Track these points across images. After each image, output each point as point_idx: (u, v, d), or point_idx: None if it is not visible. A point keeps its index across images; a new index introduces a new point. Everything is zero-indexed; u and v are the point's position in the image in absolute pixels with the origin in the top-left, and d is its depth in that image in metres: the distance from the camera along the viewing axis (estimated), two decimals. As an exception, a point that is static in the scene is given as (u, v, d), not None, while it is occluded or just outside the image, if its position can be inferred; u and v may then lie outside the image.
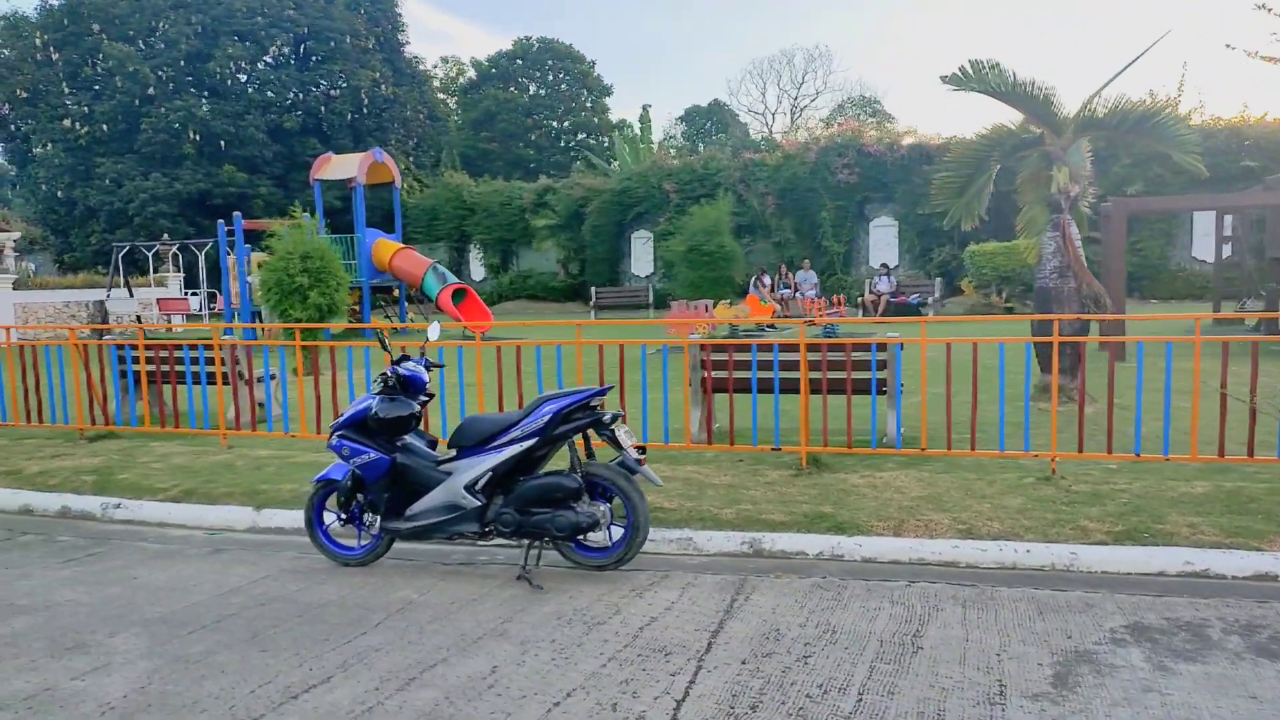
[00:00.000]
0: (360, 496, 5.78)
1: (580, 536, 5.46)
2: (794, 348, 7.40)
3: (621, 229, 35.02)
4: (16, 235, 33.85)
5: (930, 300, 22.89)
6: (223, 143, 38.33)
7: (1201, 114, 27.56)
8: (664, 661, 4.24)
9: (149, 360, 9.71)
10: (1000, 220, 28.58)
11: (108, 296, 24.59)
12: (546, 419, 5.41)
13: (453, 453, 5.75)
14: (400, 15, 45.52)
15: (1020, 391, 7.55)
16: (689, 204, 32.70)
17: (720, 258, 24.76)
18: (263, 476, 7.74)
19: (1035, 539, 5.70)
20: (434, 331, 6.33)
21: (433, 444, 5.95)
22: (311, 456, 8.33)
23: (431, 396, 5.93)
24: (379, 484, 5.64)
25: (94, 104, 37.94)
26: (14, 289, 23.98)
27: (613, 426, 5.47)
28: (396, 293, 22.53)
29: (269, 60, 40.92)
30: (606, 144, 58.45)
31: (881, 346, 7.68)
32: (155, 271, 27.57)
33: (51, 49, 38.21)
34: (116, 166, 37.45)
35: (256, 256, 20.57)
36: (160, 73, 38.35)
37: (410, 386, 5.72)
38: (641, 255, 35.06)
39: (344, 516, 5.82)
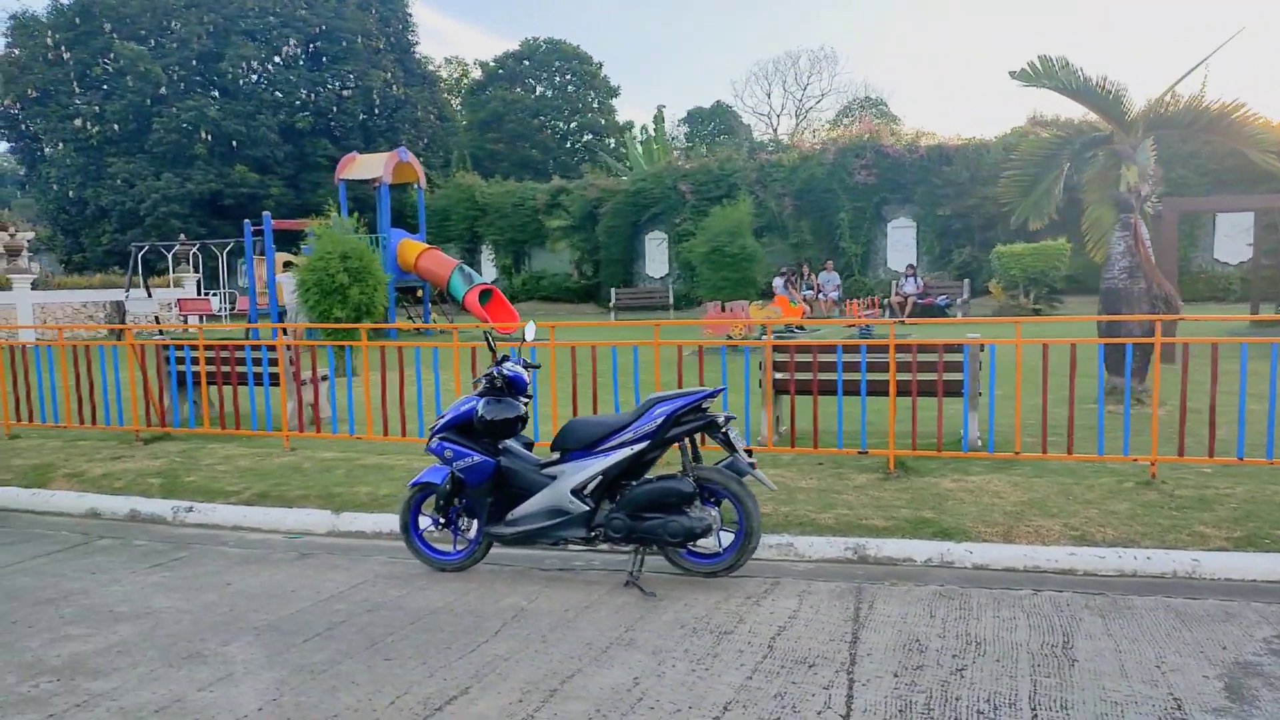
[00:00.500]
0: (457, 501, 5.65)
1: (692, 543, 5.32)
2: (880, 349, 7.26)
3: (636, 230, 34.89)
4: (30, 235, 33.72)
5: (958, 301, 22.75)
6: (234, 143, 38.15)
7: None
8: (810, 674, 4.10)
9: (201, 361, 9.54)
10: (1026, 222, 28.68)
11: (126, 296, 24.40)
12: (660, 421, 5.27)
13: (555, 456, 5.61)
14: (410, 15, 45.37)
15: (1083, 395, 7.39)
16: (705, 205, 32.61)
17: (743, 259, 24.63)
18: (334, 479, 7.59)
19: (1153, 545, 5.56)
20: (530, 331, 6.19)
21: (528, 446, 5.81)
22: (377, 459, 8.20)
23: (530, 398, 5.78)
24: (481, 488, 5.50)
25: (105, 103, 37.74)
26: (32, 289, 23.80)
27: (726, 429, 5.33)
28: (420, 293, 22.37)
29: (280, 60, 40.74)
30: (614, 145, 58.40)
31: (958, 348, 7.54)
32: (172, 271, 27.35)
33: (63, 48, 38.00)
34: (128, 166, 37.26)
35: (282, 256, 20.45)
36: (172, 72, 38.18)
37: (514, 387, 5.58)
38: (656, 256, 34.93)
39: (441, 521, 5.68)
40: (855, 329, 17.38)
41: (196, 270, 28.40)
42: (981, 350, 7.44)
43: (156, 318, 25.49)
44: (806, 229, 31.19)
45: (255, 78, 40.11)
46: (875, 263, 30.92)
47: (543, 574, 5.69)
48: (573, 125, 62.12)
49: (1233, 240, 25.60)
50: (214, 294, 28.15)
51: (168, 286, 27.26)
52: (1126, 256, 9.30)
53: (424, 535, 5.80)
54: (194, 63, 38.80)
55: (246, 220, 21.11)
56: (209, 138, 37.47)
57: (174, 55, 38.37)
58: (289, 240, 23.47)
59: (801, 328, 18.22)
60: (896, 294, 22.83)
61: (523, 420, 5.57)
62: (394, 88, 42.30)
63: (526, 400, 5.69)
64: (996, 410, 7.18)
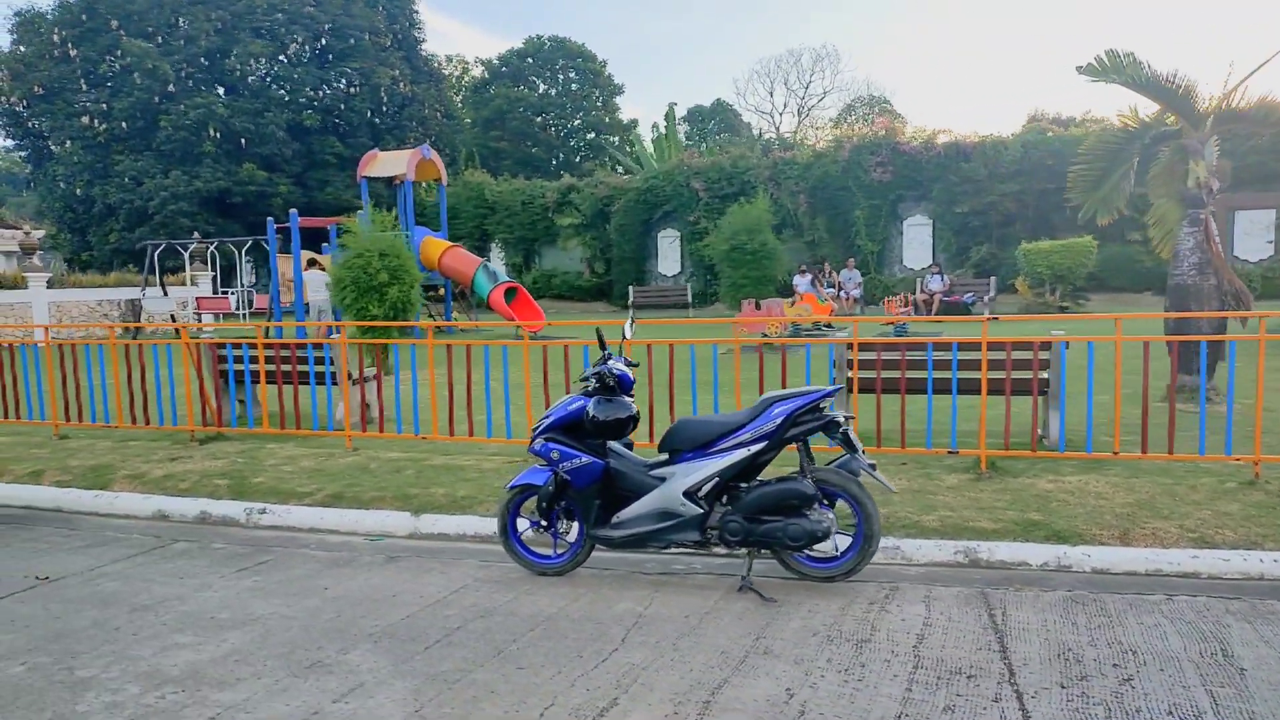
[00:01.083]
0: (558, 503, 5.48)
1: (811, 547, 5.15)
2: (972, 347, 7.11)
3: (648, 228, 34.72)
4: (40, 233, 33.47)
5: (986, 299, 22.62)
6: (243, 140, 37.92)
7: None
8: (973, 686, 3.94)
9: (253, 360, 9.36)
10: (1045, 219, 28.57)
11: (143, 295, 24.16)
12: (779, 421, 5.10)
13: (663, 457, 5.44)
14: (417, 13, 45.17)
15: (1149, 392, 7.19)
16: (718, 203, 32.48)
17: (763, 256, 24.50)
18: (405, 480, 7.41)
19: (1277, 547, 5.41)
20: (629, 329, 6.02)
21: (629, 447, 5.65)
22: (443, 459, 8.03)
23: (634, 396, 5.61)
24: (588, 490, 5.33)
25: (112, 101, 37.49)
26: (47, 287, 23.57)
27: (845, 428, 5.17)
28: (442, 291, 22.18)
29: (288, 57, 40.52)
30: (618, 142, 58.21)
31: (1047, 345, 7.39)
32: (188, 269, 27.11)
33: (69, 45, 37.74)
34: (136, 164, 37.00)
35: (305, 255, 20.24)
36: (180, 69, 37.94)
37: (623, 385, 5.41)
38: (669, 254, 34.74)
39: (543, 524, 5.51)
40: (890, 327, 17.23)
41: (211, 268, 28.14)
42: (1068, 348, 7.28)
43: (173, 316, 25.26)
44: (822, 226, 31.05)
45: (264, 75, 39.87)
46: (891, 260, 30.79)
47: (647, 579, 5.52)
48: (576, 123, 62.00)
49: (1253, 237, 25.47)
50: (230, 292, 27.90)
51: (182, 285, 27.00)
52: (1196, 253, 9.15)
53: (522, 538, 5.63)
54: (202, 60, 38.60)
55: (270, 218, 20.90)
56: (218, 135, 37.24)
57: (182, 52, 38.14)
58: (308, 239, 23.22)
59: (830, 325, 18.05)
60: (922, 291, 22.68)
61: (634, 420, 5.39)
62: (401, 85, 42.10)
63: (633, 399, 5.53)
64: (1069, 408, 7.03)
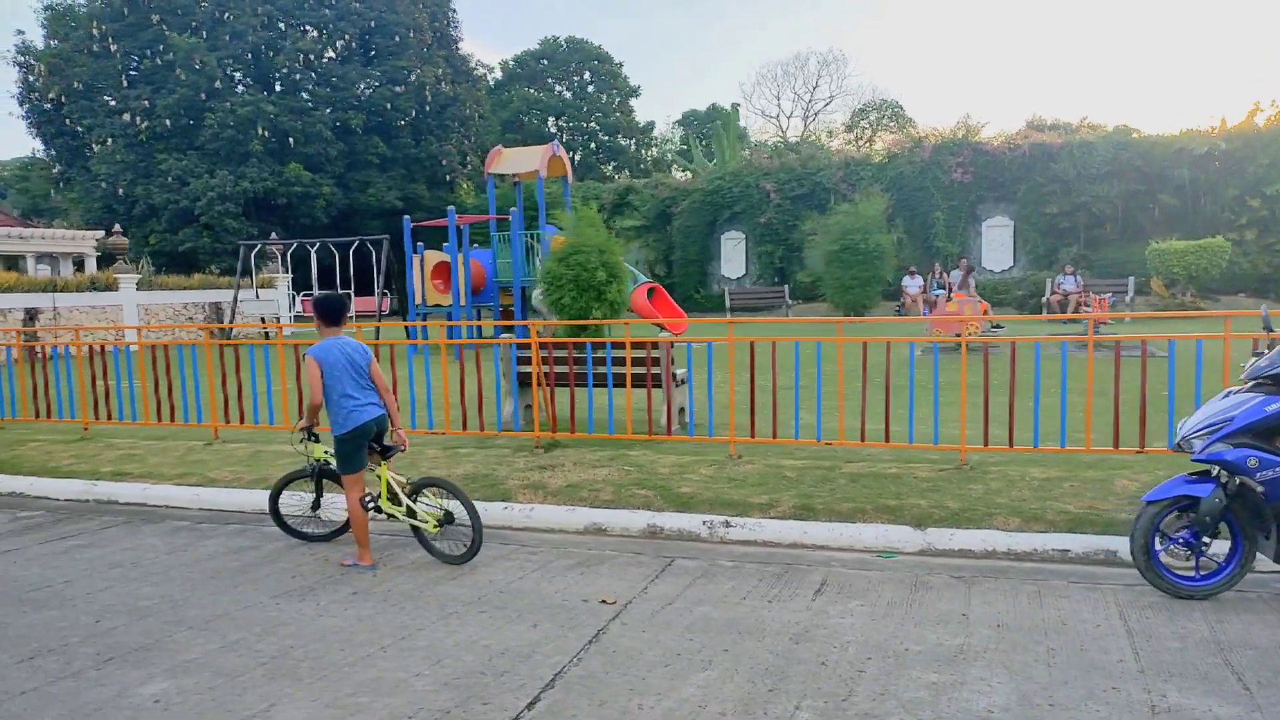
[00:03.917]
0: (1214, 519, 4.86)
1: None
2: None
3: (712, 229, 34.18)
4: (101, 234, 32.31)
5: (1128, 299, 22.23)
6: (290, 140, 36.88)
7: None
8: None
9: (590, 361, 8.69)
10: (1133, 220, 28.34)
11: (237, 297, 23.21)
12: None
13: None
14: (455, 11, 44.27)
15: None
16: (789, 204, 32.04)
17: (875, 256, 24.04)
18: (861, 490, 6.74)
19: None
20: (1266, 316, 5.44)
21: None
22: (857, 466, 7.37)
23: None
24: (1282, 504, 4.72)
25: (154, 98, 36.30)
26: (135, 289, 22.60)
27: None
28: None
29: (335, 54, 39.53)
30: (633, 146, 57.64)
31: None
32: (263, 271, 26.15)
33: (109, 40, 36.51)
34: (180, 163, 35.82)
35: (433, 255, 19.46)
36: (226, 66, 36.85)
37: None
38: (733, 256, 34.19)
39: (1200, 540, 4.90)
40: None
41: (287, 269, 27.19)
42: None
43: (262, 318, 24.38)
44: (900, 228, 30.63)
45: (312, 73, 38.81)
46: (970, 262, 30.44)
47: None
48: (593, 125, 61.53)
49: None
50: (307, 295, 26.88)
51: (259, 287, 26.07)
52: None
53: (1159, 558, 5.01)
54: (249, 56, 37.51)
55: (406, 217, 20.08)
56: (266, 134, 36.18)
57: (227, 48, 37.04)
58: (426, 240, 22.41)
59: (999, 325, 17.55)
60: (1055, 292, 22.23)
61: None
62: (443, 85, 41.22)
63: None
64: None
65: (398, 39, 39.87)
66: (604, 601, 5.07)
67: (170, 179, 35.70)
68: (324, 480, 6.26)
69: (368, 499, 5.81)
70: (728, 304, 27.48)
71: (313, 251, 21.70)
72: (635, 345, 8.81)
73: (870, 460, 7.56)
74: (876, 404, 7.62)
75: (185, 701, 3.94)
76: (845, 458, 7.66)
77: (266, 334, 21.53)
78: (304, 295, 24.16)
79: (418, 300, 18.83)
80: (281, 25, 37.87)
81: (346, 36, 38.87)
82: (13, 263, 33.44)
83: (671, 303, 19.50)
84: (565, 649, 4.41)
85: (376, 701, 3.91)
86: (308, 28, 38.55)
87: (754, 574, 5.53)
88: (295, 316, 24.18)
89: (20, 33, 49.71)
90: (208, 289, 24.74)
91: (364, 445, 5.75)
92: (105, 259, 34.75)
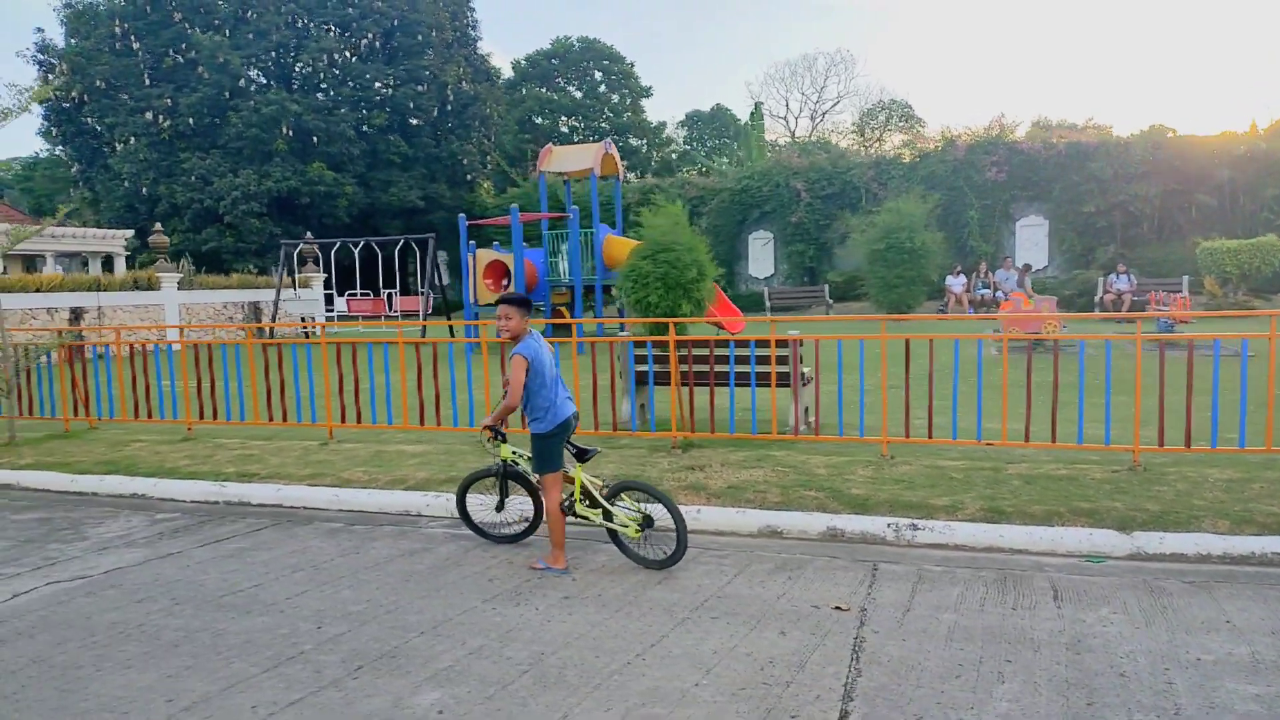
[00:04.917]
0: None
1: None
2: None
3: (741, 229, 34.02)
4: (129, 233, 32.04)
5: (1183, 298, 22.04)
6: (314, 139, 36.63)
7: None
8: None
9: (727, 361, 8.50)
10: (1171, 218, 28.22)
11: (278, 297, 22.96)
12: None
13: None
14: (473, 10, 44.03)
15: None
16: (820, 203, 31.88)
17: (920, 255, 23.90)
18: (1037, 493, 6.57)
19: None
20: None
21: None
22: (1019, 467, 7.19)
23: None
24: None
25: (177, 96, 36.03)
26: (177, 289, 22.34)
27: None
28: (617, 291, 21.20)
29: (358, 53, 39.27)
30: (644, 146, 57.42)
31: None
32: (299, 271, 25.90)
33: (132, 38, 36.23)
34: (204, 162, 35.56)
35: (485, 254, 19.26)
36: (250, 64, 36.59)
37: None
38: (760, 256, 34.06)
39: None
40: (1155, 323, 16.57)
41: (325, 269, 26.93)
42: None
43: (302, 318, 24.15)
44: (933, 226, 30.48)
45: (336, 71, 38.53)
46: (1003, 261, 30.30)
47: None
48: (603, 124, 61.32)
49: None
50: (351, 295, 26.62)
51: (295, 286, 25.83)
52: None
53: None
54: (273, 54, 37.24)
55: (462, 215, 19.86)
56: (290, 133, 35.92)
57: (251, 46, 36.78)
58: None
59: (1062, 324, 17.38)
60: (1108, 290, 22.08)
61: None
62: (464, 84, 41.00)
63: None
64: None
65: (419, 38, 39.64)
66: (838, 608, 4.88)
67: (193, 178, 35.43)
68: (509, 482, 6.06)
69: (565, 502, 5.62)
70: (767, 304, 27.22)
71: (355, 251, 21.45)
72: (760, 343, 8.65)
73: (1032, 462, 7.39)
74: (1018, 402, 7.48)
75: (470, 713, 3.75)
76: (1004, 458, 7.48)
77: (307, 333, 21.31)
78: (348, 295, 23.88)
79: (472, 299, 18.61)
80: (304, 24, 37.57)
81: (369, 35, 38.62)
82: (30, 262, 33.16)
83: (729, 302, 19.27)
84: (834, 658, 4.22)
85: (675, 713, 3.71)
86: (331, 26, 38.28)
87: (972, 579, 5.34)
88: (338, 316, 23.90)
89: (40, 30, 49.39)
90: (246, 288, 24.48)
91: (564, 443, 5.56)
92: (130, 258, 34.53)
